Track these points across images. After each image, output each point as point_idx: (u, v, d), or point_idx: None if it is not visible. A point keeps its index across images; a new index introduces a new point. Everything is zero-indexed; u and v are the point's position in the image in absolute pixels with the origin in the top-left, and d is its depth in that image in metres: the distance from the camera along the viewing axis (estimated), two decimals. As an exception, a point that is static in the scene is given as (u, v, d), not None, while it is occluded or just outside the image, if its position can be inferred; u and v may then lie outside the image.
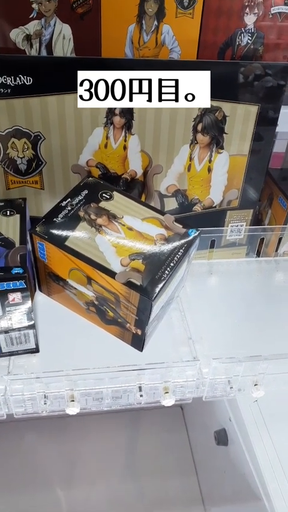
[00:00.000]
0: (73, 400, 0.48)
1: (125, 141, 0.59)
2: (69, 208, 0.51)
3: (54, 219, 0.50)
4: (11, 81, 0.52)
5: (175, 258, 0.48)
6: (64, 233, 0.48)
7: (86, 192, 0.53)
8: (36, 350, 0.52)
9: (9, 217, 0.54)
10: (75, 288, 0.51)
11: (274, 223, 0.73)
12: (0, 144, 0.56)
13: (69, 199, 0.52)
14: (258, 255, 0.71)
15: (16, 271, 0.46)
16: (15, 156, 0.58)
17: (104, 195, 0.53)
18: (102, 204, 0.52)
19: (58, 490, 1.01)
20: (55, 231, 0.48)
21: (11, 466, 1.04)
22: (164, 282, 0.46)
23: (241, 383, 0.51)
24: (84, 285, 0.50)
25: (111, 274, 0.46)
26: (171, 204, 0.65)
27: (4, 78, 0.52)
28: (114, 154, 0.60)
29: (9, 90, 0.53)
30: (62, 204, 0.51)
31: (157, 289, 0.45)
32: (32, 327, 0.49)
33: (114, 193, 0.54)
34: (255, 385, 0.51)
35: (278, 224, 0.71)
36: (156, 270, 0.46)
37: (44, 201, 0.62)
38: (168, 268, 0.47)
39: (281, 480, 0.60)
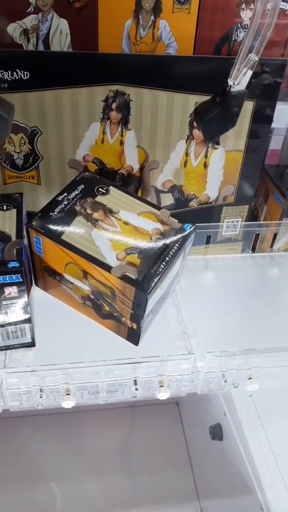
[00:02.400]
0: (69, 394, 0.49)
1: (122, 136, 0.59)
2: (65, 202, 0.51)
3: (51, 214, 0.50)
4: (8, 75, 0.52)
5: (170, 252, 0.48)
6: (60, 227, 0.49)
7: (82, 186, 0.53)
8: (32, 344, 0.52)
9: (6, 212, 0.55)
10: (71, 283, 0.51)
11: (269, 219, 0.74)
12: (-3, 138, 0.57)
13: (66, 193, 0.52)
14: (253, 250, 0.72)
15: (12, 265, 0.46)
16: (12, 151, 0.58)
17: (100, 189, 0.53)
18: (99, 198, 0.53)
19: (53, 486, 1.01)
20: (51, 226, 0.49)
21: (7, 462, 1.04)
22: (159, 276, 0.46)
23: (235, 377, 0.52)
24: (80, 279, 0.50)
25: (107, 268, 0.46)
26: (168, 199, 0.66)
27: (1, 72, 0.52)
28: (111, 149, 0.60)
29: (6, 85, 0.53)
30: (59, 199, 0.51)
31: (152, 283, 0.45)
32: (28, 321, 0.50)
33: (111, 188, 0.55)
34: (249, 378, 0.51)
35: (273, 220, 0.72)
36: (152, 264, 0.47)
37: (40, 196, 0.62)
38: (163, 263, 0.47)
39: (274, 473, 0.61)
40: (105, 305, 0.51)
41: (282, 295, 0.64)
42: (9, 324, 0.49)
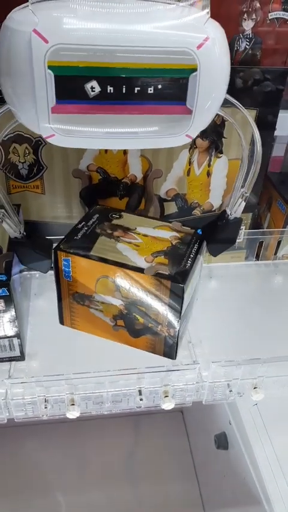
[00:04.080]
0: (73, 404, 0.48)
1: (125, 145, 0.59)
2: (85, 228, 0.54)
3: (75, 237, 0.52)
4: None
5: (193, 250, 0.52)
6: (87, 245, 0.51)
7: (97, 215, 0.56)
8: (21, 358, 0.52)
9: (1, 224, 0.54)
10: (102, 303, 0.52)
11: (273, 226, 0.74)
12: (2, 149, 0.57)
13: (84, 222, 0.55)
14: (257, 258, 0.72)
15: None
16: (16, 161, 0.58)
17: (113, 215, 0.57)
18: (114, 221, 0.56)
19: (58, 495, 1.00)
20: (78, 245, 0.51)
21: (11, 471, 1.04)
22: (190, 269, 0.49)
23: (240, 386, 0.51)
24: (112, 293, 0.51)
25: (140, 270, 0.48)
26: (171, 208, 0.66)
27: None
28: (115, 158, 0.60)
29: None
30: (78, 227, 0.54)
31: (186, 275, 0.48)
32: (17, 335, 0.50)
33: (123, 213, 0.58)
34: (254, 388, 0.51)
35: (276, 227, 0.72)
36: (179, 261, 0.50)
37: (45, 205, 0.63)
38: (189, 259, 0.50)
39: (281, 483, 0.60)
40: (139, 317, 0.51)
41: (286, 303, 0.63)
42: (-3, 337, 0.49)
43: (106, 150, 0.59)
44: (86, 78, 0.35)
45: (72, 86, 0.35)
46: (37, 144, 0.57)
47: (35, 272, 0.64)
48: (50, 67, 0.34)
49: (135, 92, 0.36)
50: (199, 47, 0.35)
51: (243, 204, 0.50)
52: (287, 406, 0.67)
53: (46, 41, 0.33)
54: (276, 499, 0.59)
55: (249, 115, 0.45)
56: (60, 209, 0.64)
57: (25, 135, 0.57)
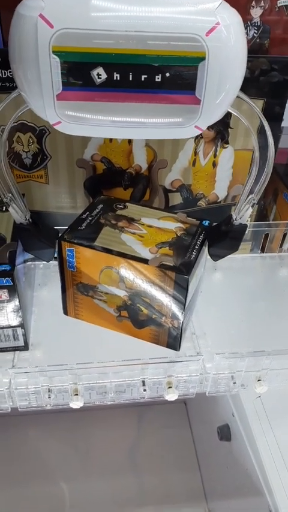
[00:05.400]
0: (77, 394, 0.49)
1: (130, 135, 0.59)
2: (89, 219, 0.54)
3: (79, 228, 0.52)
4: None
5: (198, 241, 0.51)
6: (91, 236, 0.51)
7: (101, 205, 0.56)
8: (25, 348, 0.52)
9: (4, 213, 0.54)
10: (106, 293, 0.52)
11: (279, 218, 0.73)
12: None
13: (88, 212, 0.55)
14: (262, 250, 0.71)
15: (3, 268, 0.46)
16: (20, 150, 0.58)
17: (118, 206, 0.56)
18: (119, 212, 0.55)
19: (62, 484, 1.01)
20: (82, 236, 0.51)
21: (15, 460, 1.05)
22: (194, 261, 0.48)
23: (244, 378, 0.51)
24: (116, 284, 0.50)
25: (144, 261, 0.48)
26: (176, 199, 0.65)
27: (10, 72, 0.52)
28: (119, 148, 0.60)
29: (14, 84, 0.53)
30: (83, 217, 0.54)
31: (190, 266, 0.47)
32: (20, 325, 0.50)
33: (127, 204, 0.57)
34: (258, 380, 0.51)
35: (282, 220, 0.71)
36: (184, 252, 0.49)
37: (48, 195, 0.62)
38: (194, 251, 0.50)
39: (283, 475, 0.60)
40: (143, 308, 0.51)
41: (291, 295, 0.63)
42: (1, 327, 0.49)
43: (111, 140, 0.59)
44: (92, 64, 0.34)
45: (78, 72, 0.34)
46: (41, 133, 0.57)
47: (39, 262, 0.64)
48: (55, 52, 0.33)
49: (142, 79, 0.35)
50: (208, 33, 0.33)
51: (250, 210, 0.48)
52: (291, 398, 0.67)
53: (51, 26, 0.32)
54: (279, 490, 0.59)
55: (261, 115, 0.44)
56: (64, 199, 0.63)
57: (29, 124, 0.56)
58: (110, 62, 0.34)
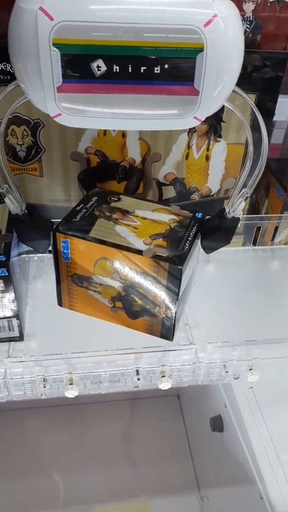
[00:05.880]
0: (72, 383, 0.49)
1: (124, 128, 0.59)
2: (84, 210, 0.54)
3: (73, 219, 0.52)
4: (11, 68, 0.52)
5: (191, 233, 0.52)
6: (86, 228, 0.51)
7: (95, 198, 0.57)
8: (20, 338, 0.52)
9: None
10: (100, 284, 0.52)
11: (271, 212, 0.74)
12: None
13: (82, 204, 0.55)
14: (254, 243, 0.72)
15: None
16: (14, 143, 0.58)
17: (112, 198, 0.57)
18: (113, 204, 0.56)
19: (57, 476, 1.02)
20: (77, 227, 0.51)
21: (11, 453, 1.05)
22: (188, 252, 0.49)
23: (236, 367, 0.52)
24: (111, 275, 0.51)
25: (138, 252, 0.49)
26: (170, 192, 0.66)
27: (4, 64, 0.52)
28: (113, 141, 0.60)
29: (9, 77, 0.53)
30: (77, 209, 0.54)
31: (183, 257, 0.48)
32: (16, 315, 0.50)
33: (121, 196, 0.58)
34: (250, 369, 0.52)
35: (274, 213, 0.72)
36: (178, 243, 0.50)
37: (43, 188, 0.63)
38: (187, 242, 0.51)
39: (274, 463, 0.61)
40: (137, 299, 0.52)
41: (282, 287, 0.64)
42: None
43: (105, 133, 0.59)
44: (91, 56, 0.35)
45: (78, 64, 0.35)
46: (35, 126, 0.57)
47: (34, 255, 0.64)
48: (55, 45, 0.34)
49: (142, 71, 0.36)
50: (206, 24, 0.34)
51: (243, 204, 0.49)
52: (281, 388, 0.69)
53: (51, 18, 0.33)
54: (270, 478, 0.60)
55: (257, 110, 0.44)
56: (59, 192, 0.64)
57: (23, 116, 0.56)
58: (110, 54, 0.35)
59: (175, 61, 0.35)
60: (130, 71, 0.35)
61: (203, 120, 0.39)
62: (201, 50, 0.35)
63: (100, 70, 0.35)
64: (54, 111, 0.37)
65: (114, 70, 0.35)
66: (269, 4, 0.58)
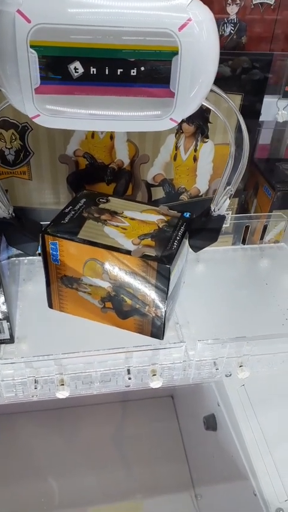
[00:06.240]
0: (63, 384, 0.49)
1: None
2: (72, 212, 0.54)
3: (62, 221, 0.53)
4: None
5: (179, 232, 0.53)
6: (74, 229, 0.51)
7: (84, 200, 0.57)
8: (11, 341, 0.53)
9: None
10: (90, 285, 0.53)
11: (260, 211, 0.75)
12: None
13: (71, 206, 0.56)
14: (244, 242, 0.73)
15: None
16: (3, 147, 0.59)
17: (101, 200, 0.57)
18: (101, 206, 0.56)
19: (51, 479, 1.02)
20: (66, 229, 0.51)
21: (4, 457, 1.05)
22: (176, 251, 0.50)
23: (226, 365, 0.53)
24: (100, 276, 0.51)
25: (127, 252, 0.49)
26: (159, 193, 0.66)
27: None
28: (101, 144, 0.61)
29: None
30: (65, 211, 0.55)
31: (172, 257, 0.49)
32: (6, 318, 0.50)
33: (110, 197, 0.58)
34: (240, 366, 0.52)
35: (263, 212, 0.73)
36: (166, 243, 0.51)
37: (32, 191, 0.63)
38: (176, 241, 0.51)
39: (267, 459, 0.62)
40: (126, 299, 0.52)
41: (271, 285, 0.65)
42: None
43: (93, 135, 0.60)
44: (69, 58, 0.35)
45: (55, 66, 0.35)
46: (23, 129, 0.58)
47: (23, 258, 0.65)
48: (32, 47, 0.34)
49: (119, 73, 0.36)
50: (181, 28, 0.35)
51: (228, 201, 0.50)
52: (273, 385, 0.69)
53: (29, 21, 0.33)
54: (263, 475, 0.61)
55: (237, 110, 0.45)
56: (48, 195, 0.64)
57: (11, 120, 0.57)
58: (87, 56, 0.35)
59: (151, 64, 0.36)
60: (107, 73, 0.36)
61: (179, 121, 0.40)
62: (176, 53, 0.36)
63: (77, 72, 0.36)
64: (32, 112, 0.38)
65: (92, 72, 0.36)
66: (252, 6, 0.59)
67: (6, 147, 0.59)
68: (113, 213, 0.55)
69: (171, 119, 0.39)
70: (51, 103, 0.37)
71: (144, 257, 0.49)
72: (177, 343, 0.51)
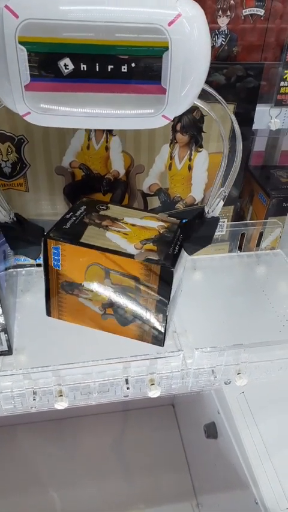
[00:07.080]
0: (61, 395, 0.49)
1: (107, 142, 0.60)
2: (74, 218, 0.55)
3: (64, 226, 0.53)
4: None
5: (179, 238, 0.54)
6: (77, 234, 0.52)
7: (84, 207, 0.58)
8: (9, 352, 0.53)
9: None
10: (91, 291, 0.53)
11: (255, 218, 0.76)
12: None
13: (72, 213, 0.56)
14: (240, 250, 0.73)
15: None
16: (-1, 159, 0.59)
17: (101, 207, 0.58)
18: (102, 212, 0.57)
19: (52, 490, 1.01)
20: (68, 234, 0.52)
21: (5, 468, 1.04)
22: (177, 255, 0.50)
23: (224, 372, 0.53)
24: (102, 280, 0.52)
25: (130, 256, 0.50)
26: (154, 202, 0.67)
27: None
28: (97, 155, 0.61)
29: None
30: (67, 217, 0.55)
31: (174, 260, 0.50)
32: (3, 330, 0.51)
33: (109, 205, 0.59)
34: (238, 374, 0.53)
35: (259, 220, 0.73)
36: (168, 247, 0.52)
37: (29, 202, 0.64)
38: (177, 246, 0.52)
39: (268, 467, 0.62)
40: (128, 305, 0.52)
41: (268, 292, 0.65)
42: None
43: (88, 147, 0.60)
44: (58, 55, 0.35)
45: (45, 63, 0.35)
46: (19, 142, 0.58)
47: (21, 269, 0.65)
48: (21, 43, 0.34)
49: (109, 70, 0.36)
50: (170, 23, 0.34)
51: (222, 203, 0.50)
52: (272, 392, 0.69)
53: (16, 16, 0.33)
54: (263, 482, 0.61)
55: (229, 109, 0.45)
56: (45, 206, 0.64)
57: (7, 133, 0.57)
58: (77, 53, 0.35)
59: (142, 60, 0.35)
60: (97, 69, 0.35)
61: (172, 119, 0.39)
62: (166, 48, 0.35)
63: (68, 69, 0.35)
64: (23, 109, 0.37)
65: (82, 69, 0.35)
66: (242, 17, 0.60)
67: (2, 160, 0.59)
68: (114, 219, 0.55)
69: (163, 116, 0.39)
70: (42, 100, 0.36)
71: (148, 261, 0.49)
72: (175, 351, 0.51)
